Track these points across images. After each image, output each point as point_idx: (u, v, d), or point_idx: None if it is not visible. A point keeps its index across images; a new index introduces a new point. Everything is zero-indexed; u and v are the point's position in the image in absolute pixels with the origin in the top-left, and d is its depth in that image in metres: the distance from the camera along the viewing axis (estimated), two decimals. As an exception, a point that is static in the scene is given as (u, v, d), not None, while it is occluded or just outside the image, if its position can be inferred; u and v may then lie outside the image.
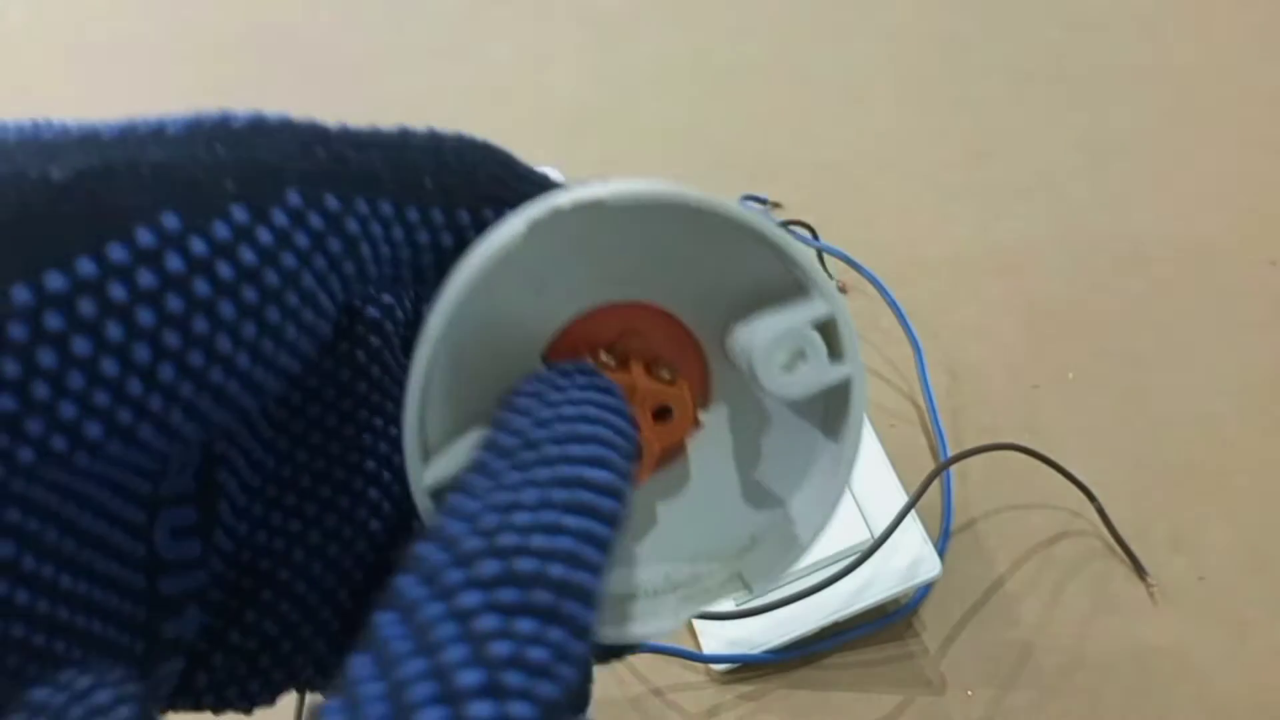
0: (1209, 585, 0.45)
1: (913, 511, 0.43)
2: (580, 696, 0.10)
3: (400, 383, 0.16)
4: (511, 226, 0.13)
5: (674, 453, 0.15)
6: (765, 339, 0.14)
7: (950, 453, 0.48)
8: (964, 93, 0.68)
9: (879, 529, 0.42)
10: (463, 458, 0.13)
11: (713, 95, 0.69)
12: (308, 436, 0.16)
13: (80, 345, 0.11)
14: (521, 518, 0.11)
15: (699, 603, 0.15)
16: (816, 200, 0.60)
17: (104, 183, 0.12)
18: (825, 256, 0.57)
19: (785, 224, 0.57)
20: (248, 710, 0.16)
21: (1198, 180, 0.62)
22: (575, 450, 0.12)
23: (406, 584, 0.10)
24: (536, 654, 0.10)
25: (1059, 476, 0.46)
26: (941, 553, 0.44)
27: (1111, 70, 0.69)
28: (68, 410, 0.11)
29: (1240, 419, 0.50)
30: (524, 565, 0.10)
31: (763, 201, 0.61)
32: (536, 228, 0.13)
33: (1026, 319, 0.55)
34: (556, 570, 0.10)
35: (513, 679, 0.09)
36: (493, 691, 0.09)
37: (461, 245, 0.14)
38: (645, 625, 0.15)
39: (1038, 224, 0.60)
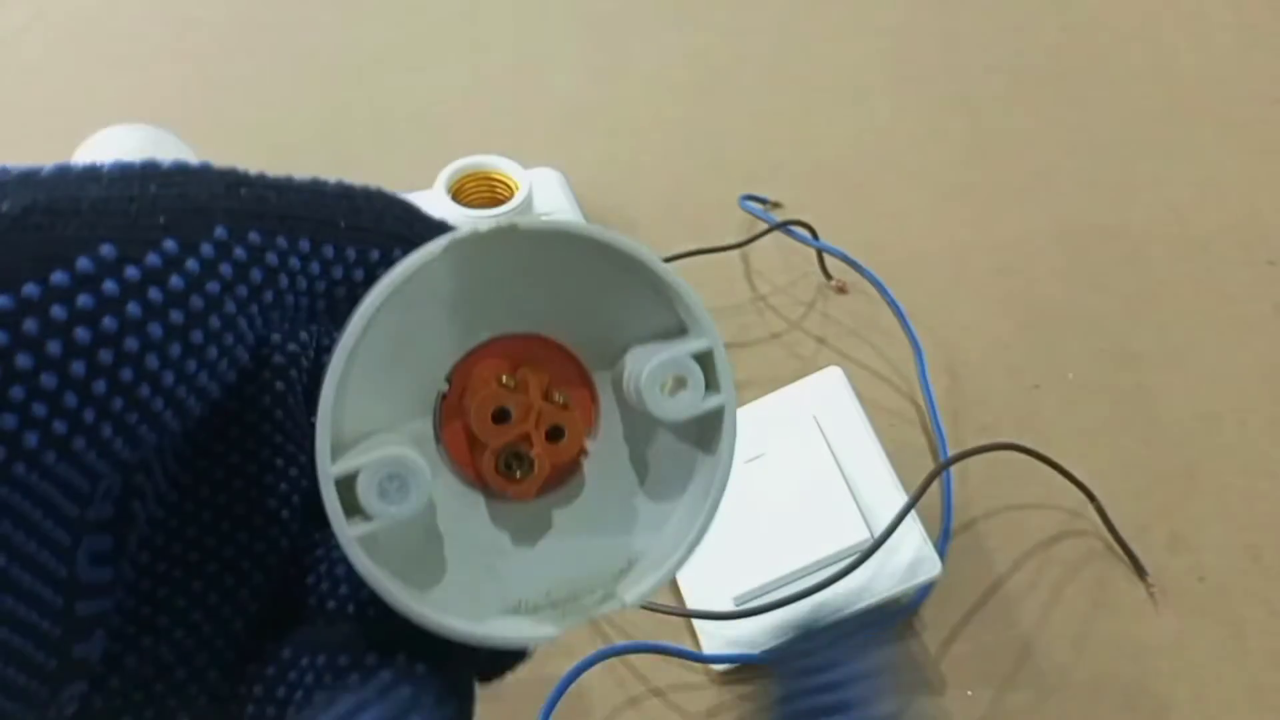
0: (1209, 585, 0.45)
1: (913, 511, 0.43)
2: None
3: (302, 428, 0.18)
4: (433, 244, 0.15)
5: (568, 473, 0.17)
6: (651, 365, 0.15)
7: (950, 453, 0.48)
8: (963, 92, 0.68)
9: (879, 529, 0.42)
10: (371, 454, 0.14)
11: (712, 95, 0.69)
12: (211, 472, 0.17)
13: (22, 360, 0.12)
14: None
15: (575, 619, 0.16)
16: (816, 200, 0.60)
17: (50, 216, 0.13)
18: (826, 256, 0.57)
19: (785, 224, 0.57)
20: None
21: (1196, 180, 0.62)
22: None
23: None
24: None
25: (1059, 476, 0.46)
26: (942, 553, 0.44)
27: (1110, 70, 0.69)
28: (8, 420, 0.12)
29: (1239, 419, 0.50)
30: None
31: (763, 201, 0.61)
32: (455, 247, 0.15)
33: (1026, 319, 0.55)
34: None
35: None
36: None
37: (372, 281, 0.15)
38: (522, 630, 0.16)
39: (1038, 223, 0.60)
